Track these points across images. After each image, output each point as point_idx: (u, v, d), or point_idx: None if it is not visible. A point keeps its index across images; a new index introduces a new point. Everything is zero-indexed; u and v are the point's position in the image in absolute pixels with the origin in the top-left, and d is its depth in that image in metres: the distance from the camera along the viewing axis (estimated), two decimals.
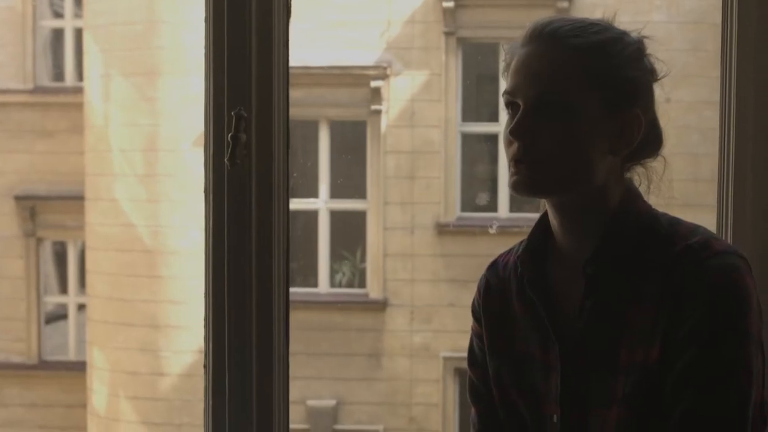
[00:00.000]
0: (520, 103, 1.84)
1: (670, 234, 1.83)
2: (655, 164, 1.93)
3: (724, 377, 1.72)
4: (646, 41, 1.90)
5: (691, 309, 1.74)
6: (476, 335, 2.07)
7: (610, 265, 1.84)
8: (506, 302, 2.00)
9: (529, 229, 1.99)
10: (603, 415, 1.82)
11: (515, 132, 1.82)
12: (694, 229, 1.84)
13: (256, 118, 2.38)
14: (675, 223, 1.86)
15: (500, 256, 2.08)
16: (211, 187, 2.42)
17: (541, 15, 1.93)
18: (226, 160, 2.37)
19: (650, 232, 1.85)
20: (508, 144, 1.86)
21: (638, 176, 1.93)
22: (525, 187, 1.84)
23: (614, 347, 1.82)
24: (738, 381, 1.72)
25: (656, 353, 1.77)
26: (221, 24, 2.40)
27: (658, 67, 1.90)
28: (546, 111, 1.81)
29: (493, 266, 2.06)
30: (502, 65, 1.95)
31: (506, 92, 1.88)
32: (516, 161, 1.83)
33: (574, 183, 1.84)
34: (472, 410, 2.08)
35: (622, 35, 1.87)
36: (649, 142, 1.90)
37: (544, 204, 1.94)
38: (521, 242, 1.99)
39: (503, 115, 1.80)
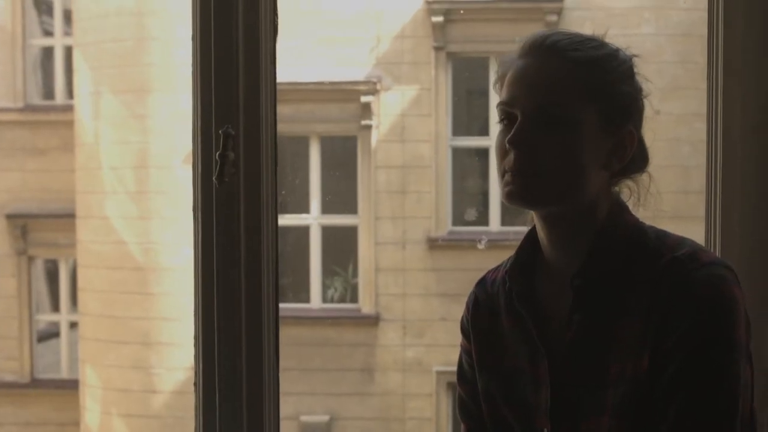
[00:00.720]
0: (518, 114, 1.83)
1: (657, 247, 1.83)
2: (642, 177, 1.94)
3: (713, 385, 1.72)
4: (635, 59, 1.91)
5: (679, 320, 1.74)
6: (465, 352, 2.07)
7: (598, 278, 1.84)
8: (495, 318, 2.00)
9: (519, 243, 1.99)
10: (594, 427, 1.82)
11: (514, 141, 1.81)
12: (681, 241, 1.84)
13: (243, 136, 2.39)
14: (662, 235, 1.86)
15: (488, 272, 2.08)
16: (200, 205, 2.42)
17: (531, 29, 1.93)
18: (214, 178, 2.37)
19: (638, 245, 1.85)
20: (503, 154, 1.85)
21: (628, 189, 1.93)
22: (519, 198, 1.83)
23: (603, 360, 1.82)
24: (726, 390, 1.72)
25: (645, 364, 1.77)
26: (208, 42, 2.40)
27: (645, 86, 1.91)
28: (545, 123, 1.81)
29: (482, 282, 2.06)
30: (494, 77, 1.94)
31: (503, 103, 1.87)
32: (511, 172, 1.82)
33: (568, 196, 1.84)
34: (463, 427, 2.08)
35: (617, 51, 1.88)
36: (638, 159, 1.91)
37: (533, 218, 1.94)
38: (509, 258, 1.99)
39: (493, 129, 1.79)
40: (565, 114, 1.81)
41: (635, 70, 1.90)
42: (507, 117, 1.86)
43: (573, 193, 1.83)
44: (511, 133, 1.82)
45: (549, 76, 1.82)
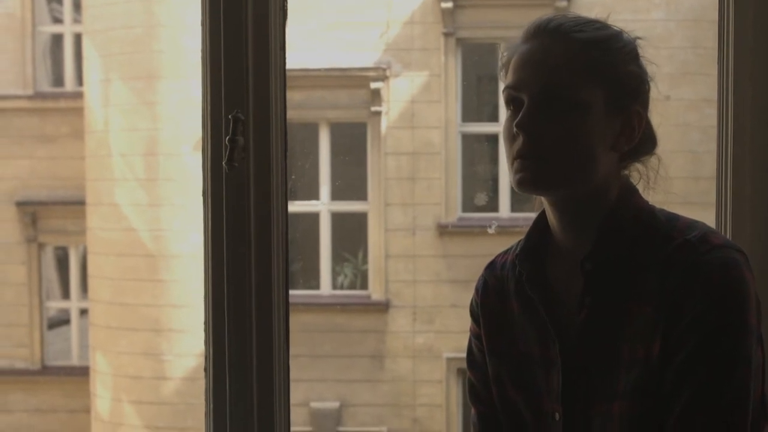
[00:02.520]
0: (525, 98, 1.82)
1: (668, 229, 1.83)
2: (651, 159, 1.93)
3: (724, 370, 1.72)
4: (639, 42, 1.90)
5: (691, 304, 1.74)
6: (475, 336, 2.06)
7: (608, 261, 1.83)
8: (504, 302, 1.99)
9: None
10: (605, 411, 1.82)
11: (522, 125, 1.80)
12: (692, 223, 1.83)
13: (253, 121, 2.38)
14: (673, 218, 1.86)
15: (498, 256, 2.07)
16: (209, 190, 2.41)
17: (540, 14, 1.92)
18: (224, 163, 2.37)
19: (648, 228, 1.84)
20: (512, 139, 1.84)
21: (637, 173, 1.92)
22: (531, 184, 1.82)
23: (614, 343, 1.81)
24: (738, 374, 1.72)
25: (657, 348, 1.76)
26: (218, 27, 2.40)
27: (650, 68, 1.90)
28: (552, 105, 1.80)
29: (491, 266, 2.06)
30: (499, 63, 1.92)
31: (509, 87, 1.85)
32: (521, 157, 1.81)
33: (578, 179, 1.83)
34: (473, 411, 2.08)
35: (621, 32, 1.87)
36: (646, 140, 1.90)
37: (541, 202, 1.93)
38: (519, 241, 1.99)
39: (503, 114, 1.77)
40: (573, 95, 1.80)
41: (640, 51, 1.89)
42: (513, 101, 1.85)
43: (583, 176, 1.83)
44: (519, 117, 1.81)
45: (554, 58, 1.81)
